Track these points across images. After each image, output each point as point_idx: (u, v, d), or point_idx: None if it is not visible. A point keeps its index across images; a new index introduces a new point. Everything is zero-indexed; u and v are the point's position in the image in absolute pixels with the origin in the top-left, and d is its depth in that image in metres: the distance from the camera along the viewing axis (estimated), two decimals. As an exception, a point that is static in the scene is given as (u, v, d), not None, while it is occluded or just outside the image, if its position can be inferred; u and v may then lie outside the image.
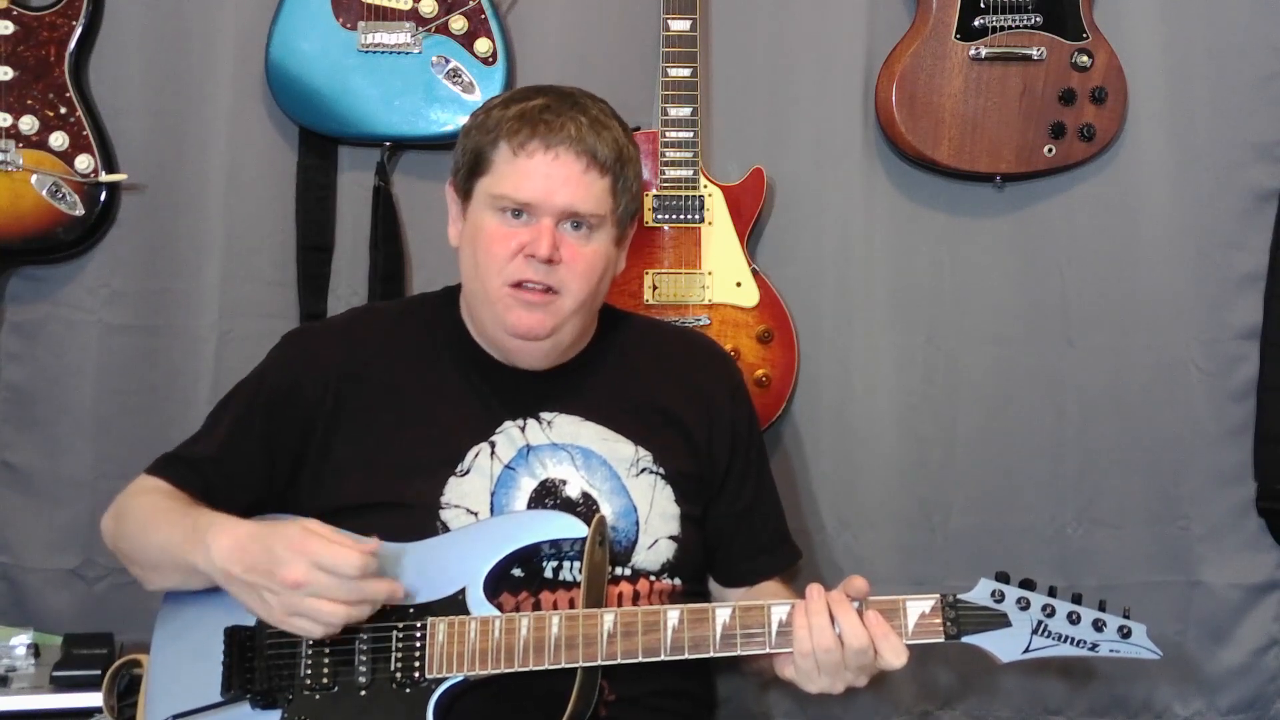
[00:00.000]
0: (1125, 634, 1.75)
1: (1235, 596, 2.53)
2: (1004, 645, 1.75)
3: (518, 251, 1.84)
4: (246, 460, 1.92)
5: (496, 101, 1.92)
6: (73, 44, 2.33)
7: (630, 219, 1.94)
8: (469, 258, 1.90)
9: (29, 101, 2.32)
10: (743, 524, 2.03)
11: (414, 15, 2.35)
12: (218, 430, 1.96)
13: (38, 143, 2.32)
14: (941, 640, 1.74)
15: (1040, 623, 1.74)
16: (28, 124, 2.32)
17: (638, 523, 1.91)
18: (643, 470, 1.93)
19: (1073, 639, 1.75)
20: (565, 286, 1.86)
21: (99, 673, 2.14)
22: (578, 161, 1.83)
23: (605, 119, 1.89)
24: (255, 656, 1.79)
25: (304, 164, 2.43)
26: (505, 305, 1.87)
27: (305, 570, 1.68)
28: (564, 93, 1.90)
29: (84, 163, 2.34)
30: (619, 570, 1.89)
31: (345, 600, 1.69)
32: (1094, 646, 1.75)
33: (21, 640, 2.26)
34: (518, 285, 1.85)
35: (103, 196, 2.36)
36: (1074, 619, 1.74)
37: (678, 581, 1.93)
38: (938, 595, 1.76)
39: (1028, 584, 1.76)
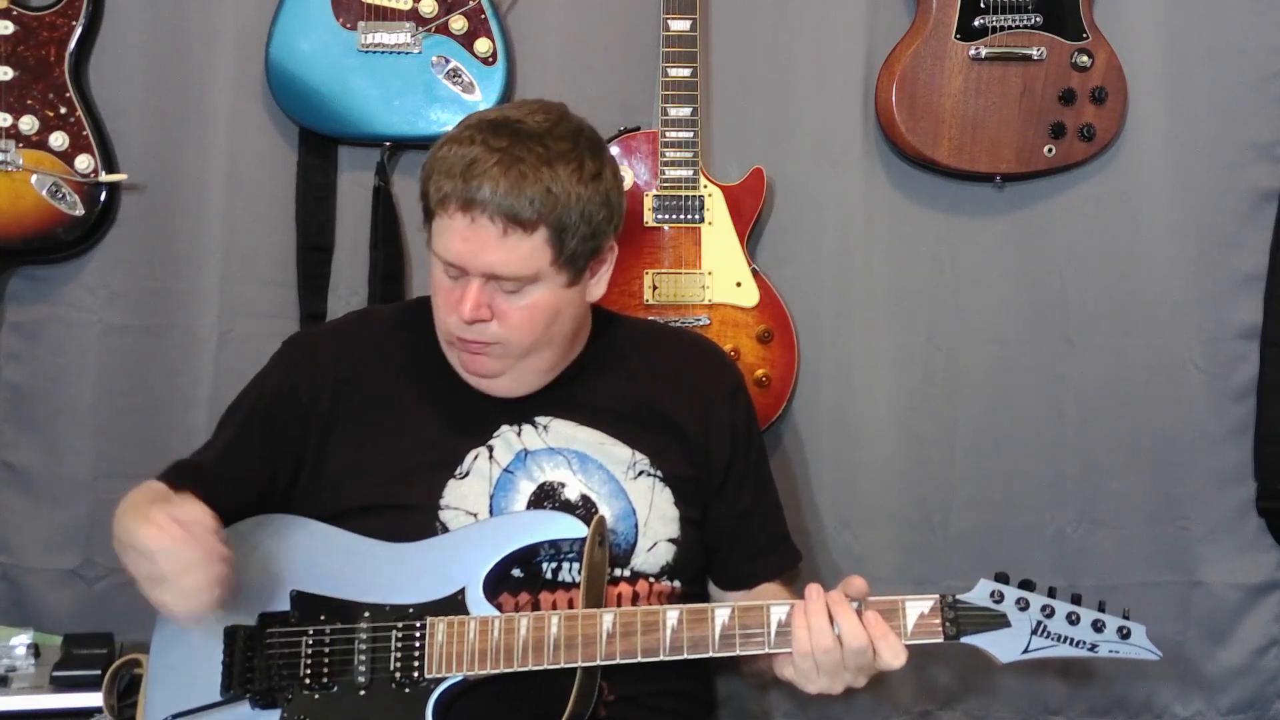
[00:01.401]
0: (1125, 635, 1.74)
1: (1235, 596, 2.53)
2: (1003, 646, 1.75)
3: (455, 306, 1.82)
4: (246, 464, 1.93)
5: (448, 135, 1.83)
6: (73, 44, 2.33)
7: (592, 254, 1.85)
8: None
9: (29, 101, 2.32)
10: (742, 526, 2.02)
11: (414, 15, 2.35)
12: (223, 435, 1.97)
13: (38, 143, 2.32)
14: (941, 641, 1.74)
15: (1039, 623, 1.74)
16: (28, 124, 2.32)
17: (637, 525, 1.91)
18: (641, 473, 1.93)
19: (1072, 640, 1.74)
20: (504, 339, 1.84)
21: (99, 673, 2.14)
22: (493, 226, 1.76)
23: (538, 167, 1.77)
24: (255, 656, 1.80)
25: (304, 164, 2.43)
26: (454, 350, 1.88)
27: (135, 567, 1.67)
28: (510, 133, 1.79)
29: (84, 163, 2.34)
30: (618, 572, 1.89)
31: (166, 581, 1.66)
32: (1093, 647, 1.74)
33: (21, 640, 2.26)
34: (459, 338, 1.85)
35: (103, 196, 2.36)
36: (1073, 619, 1.74)
37: (677, 584, 1.93)
38: (937, 596, 1.75)
39: (1027, 584, 1.76)
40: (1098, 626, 1.74)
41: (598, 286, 1.92)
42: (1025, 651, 1.74)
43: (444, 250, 1.80)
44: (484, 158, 1.76)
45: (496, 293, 1.81)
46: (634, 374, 2.00)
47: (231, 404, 2.02)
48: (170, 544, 1.65)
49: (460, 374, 1.90)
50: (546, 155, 1.78)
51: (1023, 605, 1.75)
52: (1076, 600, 1.75)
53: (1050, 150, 2.41)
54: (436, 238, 1.82)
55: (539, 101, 1.89)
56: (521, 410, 1.93)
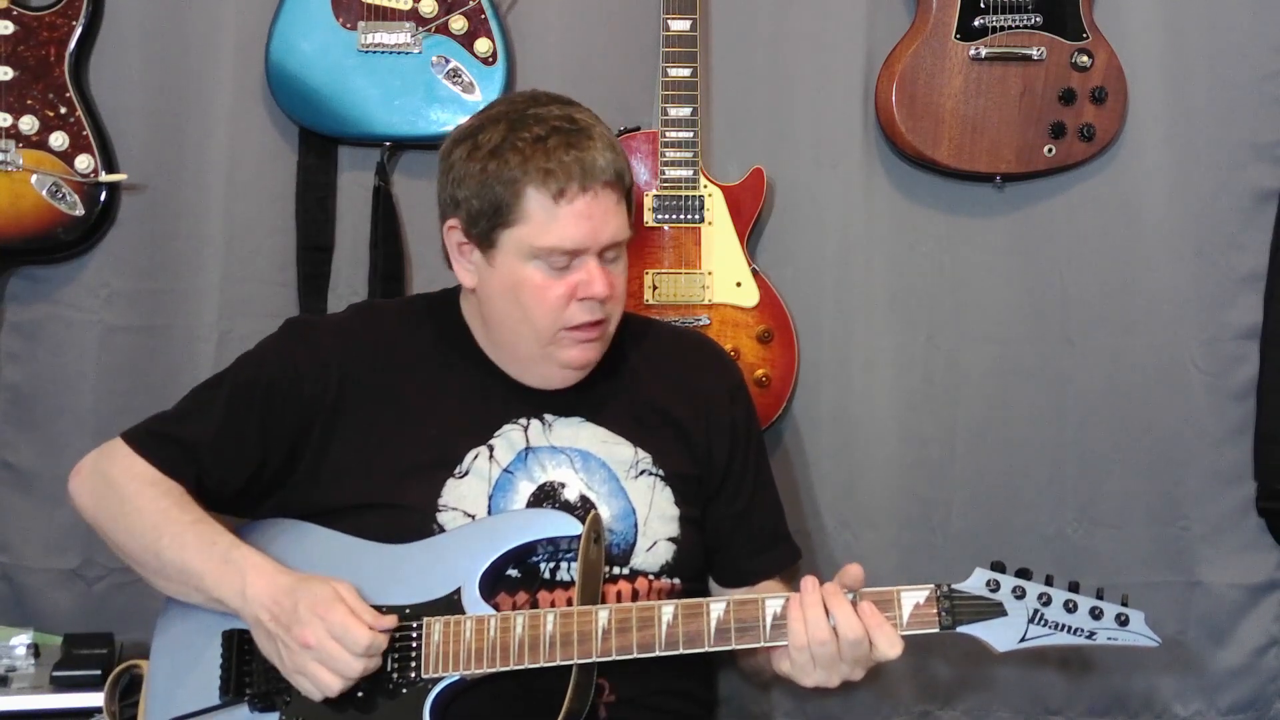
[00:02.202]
0: (1123, 621, 1.73)
1: (1235, 596, 2.53)
2: (1000, 635, 1.73)
3: (570, 297, 1.83)
4: (241, 448, 1.90)
5: (495, 141, 1.82)
6: (73, 44, 2.33)
7: (629, 212, 1.92)
8: (508, 306, 1.86)
9: (29, 101, 2.32)
10: (742, 524, 2.03)
11: (414, 15, 2.35)
12: (212, 412, 1.92)
13: (38, 143, 2.32)
14: (937, 630, 1.74)
15: (1036, 611, 1.73)
16: (28, 124, 2.32)
17: (636, 525, 1.91)
18: (642, 472, 1.93)
19: (1069, 627, 1.73)
20: (612, 314, 1.88)
21: (99, 673, 2.14)
22: (611, 194, 1.82)
23: (604, 130, 1.85)
24: (253, 659, 1.80)
25: (304, 164, 2.43)
26: (562, 346, 1.87)
27: (319, 635, 1.70)
28: (561, 114, 1.83)
29: (84, 163, 2.34)
30: (617, 570, 1.89)
31: (342, 674, 1.71)
32: (1091, 635, 1.73)
33: (21, 640, 2.26)
34: (575, 328, 1.85)
35: (103, 196, 2.36)
36: (1070, 607, 1.73)
37: (677, 581, 1.93)
38: (932, 585, 1.75)
39: (1023, 573, 1.75)
40: (1095, 614, 1.73)
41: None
42: (1022, 640, 1.73)
43: (565, 239, 1.80)
44: (571, 137, 1.80)
45: (605, 269, 1.84)
46: (637, 373, 2.01)
47: (217, 376, 1.98)
48: (380, 648, 1.73)
49: (550, 370, 1.90)
50: (595, 119, 1.87)
51: (1019, 593, 1.73)
52: (1074, 588, 1.74)
53: (1050, 150, 2.41)
54: (544, 233, 1.80)
55: (517, 92, 1.94)
56: (529, 406, 1.93)
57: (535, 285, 1.83)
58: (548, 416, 1.93)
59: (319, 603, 1.71)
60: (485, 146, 1.82)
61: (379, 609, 1.78)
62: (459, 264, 1.91)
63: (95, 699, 2.11)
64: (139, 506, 1.85)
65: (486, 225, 1.83)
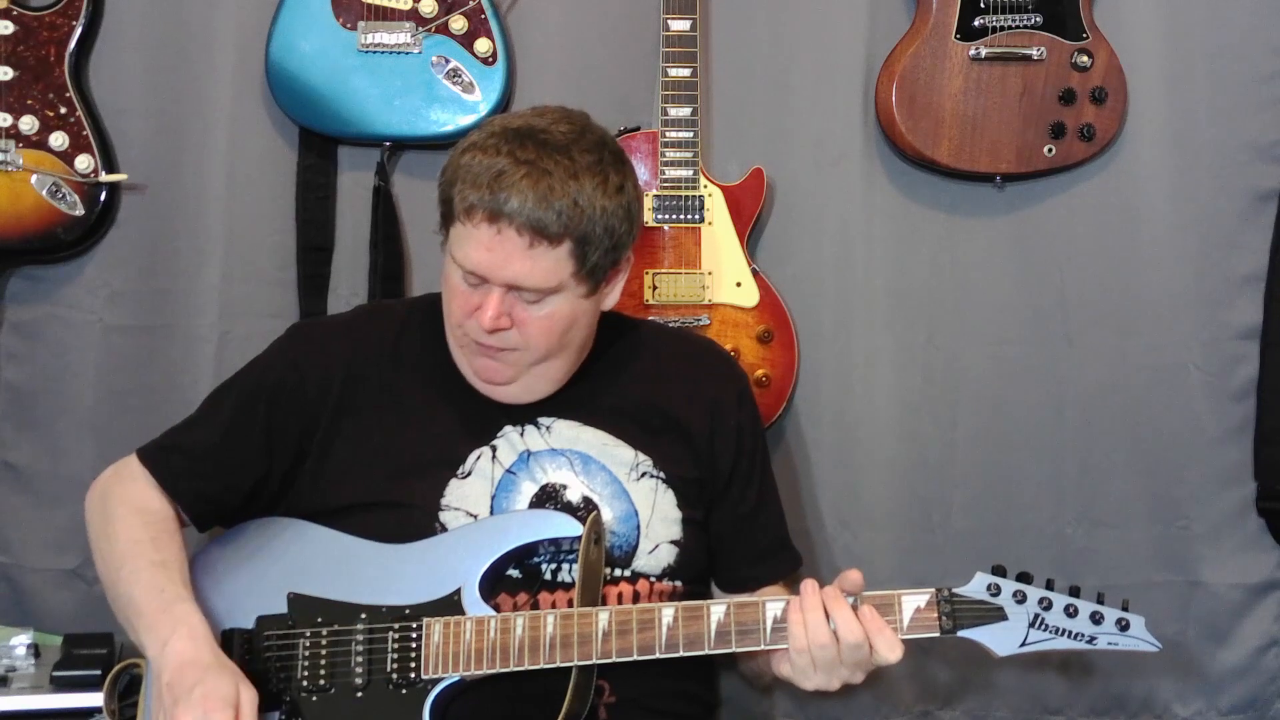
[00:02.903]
0: (1124, 626, 1.73)
1: (1235, 596, 2.53)
2: (1000, 639, 1.74)
3: (472, 312, 1.82)
4: (246, 452, 1.91)
5: (472, 140, 1.82)
6: (73, 44, 2.33)
7: (612, 265, 1.86)
8: (442, 301, 1.90)
9: (29, 101, 2.32)
10: (744, 529, 2.03)
11: (414, 15, 2.35)
12: (219, 418, 1.94)
13: (38, 143, 2.32)
14: (937, 635, 1.74)
15: (1037, 616, 1.73)
16: (28, 124, 2.32)
17: (639, 527, 1.91)
18: (643, 474, 1.93)
19: (1070, 632, 1.73)
20: (521, 345, 1.84)
21: (99, 673, 2.14)
22: (520, 238, 1.75)
23: (565, 181, 1.76)
24: (253, 659, 1.80)
25: (304, 164, 2.43)
26: (466, 352, 1.87)
27: None
28: (536, 144, 1.78)
29: (84, 163, 2.34)
30: (619, 572, 1.89)
31: None
32: (1092, 640, 1.73)
33: (21, 640, 2.26)
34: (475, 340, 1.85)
35: (103, 196, 2.36)
36: (1071, 612, 1.73)
37: (679, 584, 1.93)
38: (933, 589, 1.75)
39: (1024, 577, 1.75)
40: (1096, 618, 1.73)
41: (612, 295, 1.92)
42: (1023, 645, 1.73)
43: (466, 260, 1.79)
44: (511, 169, 1.75)
45: (516, 301, 1.80)
46: (639, 375, 2.01)
47: (225, 384, 2.00)
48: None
49: (469, 379, 1.90)
50: (573, 168, 1.78)
51: (1020, 598, 1.74)
52: (1075, 592, 1.74)
53: (1050, 150, 2.41)
54: (458, 245, 1.80)
55: (561, 110, 1.87)
56: (525, 411, 1.93)
57: (450, 286, 1.85)
58: (543, 420, 1.93)
59: (212, 696, 1.66)
60: (464, 144, 1.83)
61: (380, 609, 1.78)
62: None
63: (95, 699, 2.11)
64: (116, 533, 1.86)
65: (443, 213, 1.85)
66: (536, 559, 1.86)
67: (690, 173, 2.37)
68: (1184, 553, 2.52)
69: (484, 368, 1.87)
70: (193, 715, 1.64)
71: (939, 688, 2.52)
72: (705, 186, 2.39)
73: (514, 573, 1.84)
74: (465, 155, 1.80)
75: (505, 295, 1.79)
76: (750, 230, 2.41)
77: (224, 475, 1.90)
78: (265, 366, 1.98)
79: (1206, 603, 2.52)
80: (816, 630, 1.71)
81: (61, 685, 2.15)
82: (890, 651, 1.71)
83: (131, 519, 1.87)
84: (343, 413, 1.92)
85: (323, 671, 1.79)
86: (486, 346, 1.84)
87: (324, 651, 1.79)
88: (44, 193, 2.33)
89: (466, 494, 1.88)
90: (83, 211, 2.35)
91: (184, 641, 1.71)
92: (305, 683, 1.79)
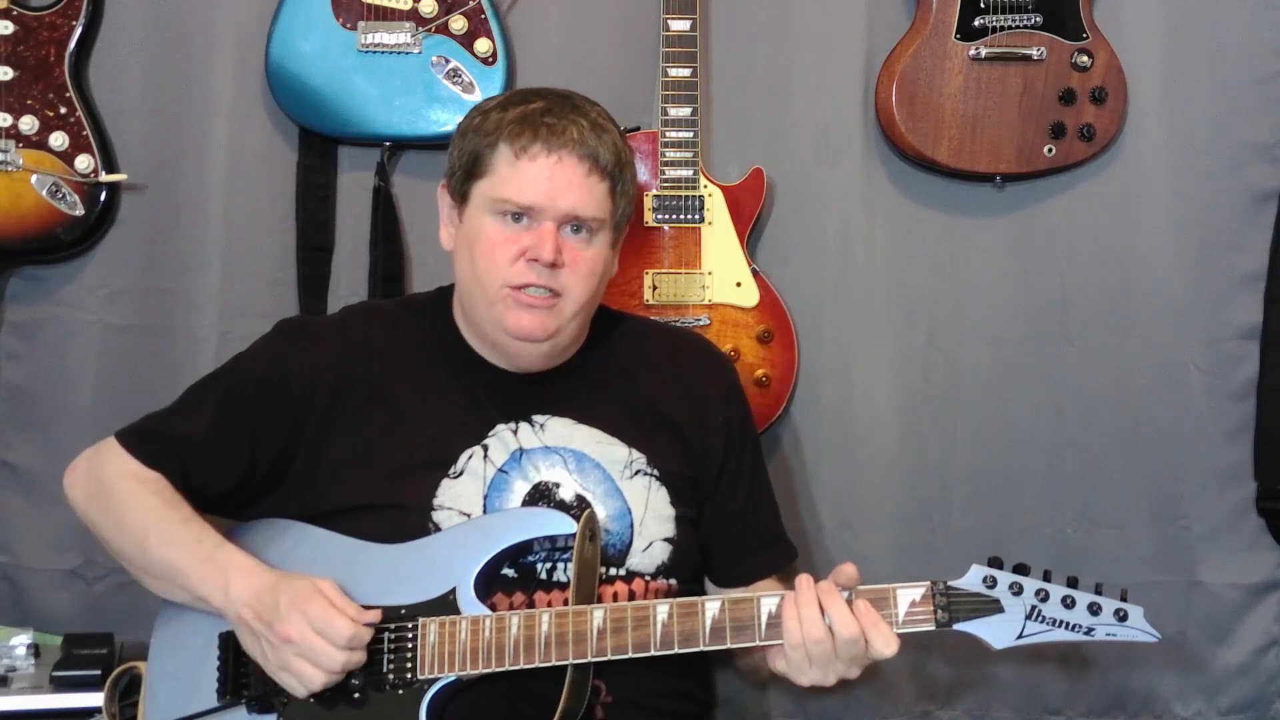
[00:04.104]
0: (1122, 617, 1.72)
1: (1235, 596, 2.53)
2: (997, 632, 1.72)
3: (519, 255, 1.84)
4: (229, 447, 1.90)
5: (492, 104, 1.90)
6: (73, 44, 2.34)
7: (626, 222, 1.94)
8: (466, 261, 1.89)
9: (29, 101, 2.32)
10: (737, 524, 2.03)
11: (414, 15, 2.36)
12: (202, 410, 1.92)
13: (38, 143, 2.32)
14: (933, 628, 1.74)
15: (1034, 608, 1.72)
16: (28, 124, 2.32)
17: (632, 525, 1.91)
18: (637, 472, 1.93)
19: (1067, 623, 1.72)
20: (567, 289, 1.86)
21: (99, 673, 2.14)
22: (580, 165, 1.83)
23: (604, 122, 1.88)
24: (250, 662, 1.79)
25: (304, 164, 2.43)
26: (505, 306, 1.86)
27: (300, 629, 1.70)
28: (562, 95, 1.90)
29: (84, 163, 2.34)
30: (613, 571, 1.89)
31: (324, 668, 1.71)
32: (1089, 631, 1.71)
33: (21, 640, 2.26)
34: (519, 288, 1.85)
35: (103, 196, 2.36)
36: (1068, 603, 1.72)
37: (673, 582, 1.93)
38: (928, 583, 1.75)
39: (1021, 569, 1.74)
40: (1093, 609, 1.72)
41: (615, 263, 1.97)
42: (1020, 637, 1.72)
43: (520, 194, 1.83)
44: (557, 108, 1.85)
45: (565, 240, 1.85)
46: (631, 373, 2.01)
47: (209, 376, 1.99)
48: (363, 641, 1.73)
49: (500, 337, 1.89)
50: (605, 114, 1.91)
51: (1016, 590, 1.72)
52: (1072, 584, 1.73)
53: (1050, 150, 2.41)
54: (503, 184, 1.84)
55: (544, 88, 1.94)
56: (518, 409, 1.93)
57: (489, 238, 1.86)
58: (537, 418, 1.93)
59: (300, 597, 1.71)
60: (484, 108, 1.90)
61: (373, 610, 1.78)
62: (444, 229, 1.96)
63: (95, 699, 2.11)
64: (129, 503, 1.85)
65: (463, 176, 1.88)
66: (531, 558, 1.86)
67: (690, 173, 2.37)
68: (1184, 553, 2.52)
69: (526, 321, 1.86)
70: (293, 623, 1.69)
71: (939, 687, 2.52)
72: (705, 186, 2.39)
73: (510, 572, 1.84)
74: (492, 114, 1.87)
75: (556, 232, 1.83)
76: (750, 230, 2.41)
77: (207, 467, 1.89)
78: (251, 361, 1.97)
79: (1206, 603, 2.52)
80: (811, 625, 1.71)
81: (61, 685, 2.15)
82: (886, 646, 1.71)
83: (137, 489, 1.86)
84: (332, 414, 1.92)
85: (320, 673, 1.79)
86: (531, 297, 1.84)
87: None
88: (44, 193, 2.33)
89: (459, 494, 1.88)
90: (83, 211, 2.35)
91: (243, 576, 1.75)
92: (303, 684, 1.79)
